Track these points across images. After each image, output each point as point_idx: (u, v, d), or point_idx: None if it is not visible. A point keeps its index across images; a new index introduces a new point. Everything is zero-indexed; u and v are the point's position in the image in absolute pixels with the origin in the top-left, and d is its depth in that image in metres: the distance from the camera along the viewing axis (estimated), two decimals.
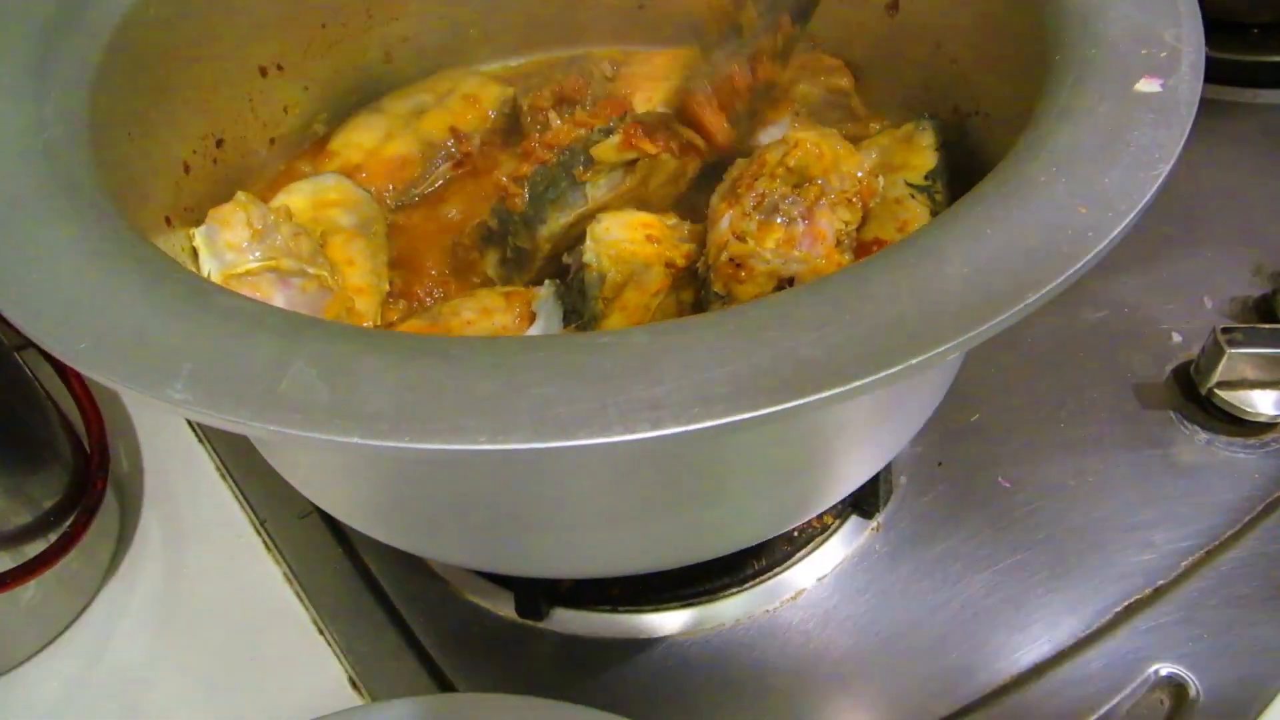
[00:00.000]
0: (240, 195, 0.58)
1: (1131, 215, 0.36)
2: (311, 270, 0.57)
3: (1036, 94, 0.45)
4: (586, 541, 0.46)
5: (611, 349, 0.33)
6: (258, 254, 0.56)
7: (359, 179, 0.67)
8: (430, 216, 0.67)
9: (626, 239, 0.54)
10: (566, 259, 0.58)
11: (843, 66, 0.68)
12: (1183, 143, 0.39)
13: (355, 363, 0.33)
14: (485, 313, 0.58)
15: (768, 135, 0.63)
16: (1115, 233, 0.35)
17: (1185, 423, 0.69)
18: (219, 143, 0.63)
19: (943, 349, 0.32)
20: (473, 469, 0.41)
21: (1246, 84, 0.91)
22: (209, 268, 0.56)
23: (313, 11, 0.68)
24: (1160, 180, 0.38)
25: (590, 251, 0.53)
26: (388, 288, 0.62)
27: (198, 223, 0.58)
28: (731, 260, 0.51)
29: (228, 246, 0.56)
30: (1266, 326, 0.68)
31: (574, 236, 0.59)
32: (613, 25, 0.78)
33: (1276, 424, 0.67)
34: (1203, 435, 0.68)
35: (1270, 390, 0.67)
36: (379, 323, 0.60)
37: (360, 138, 0.70)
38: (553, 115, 0.69)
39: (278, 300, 0.56)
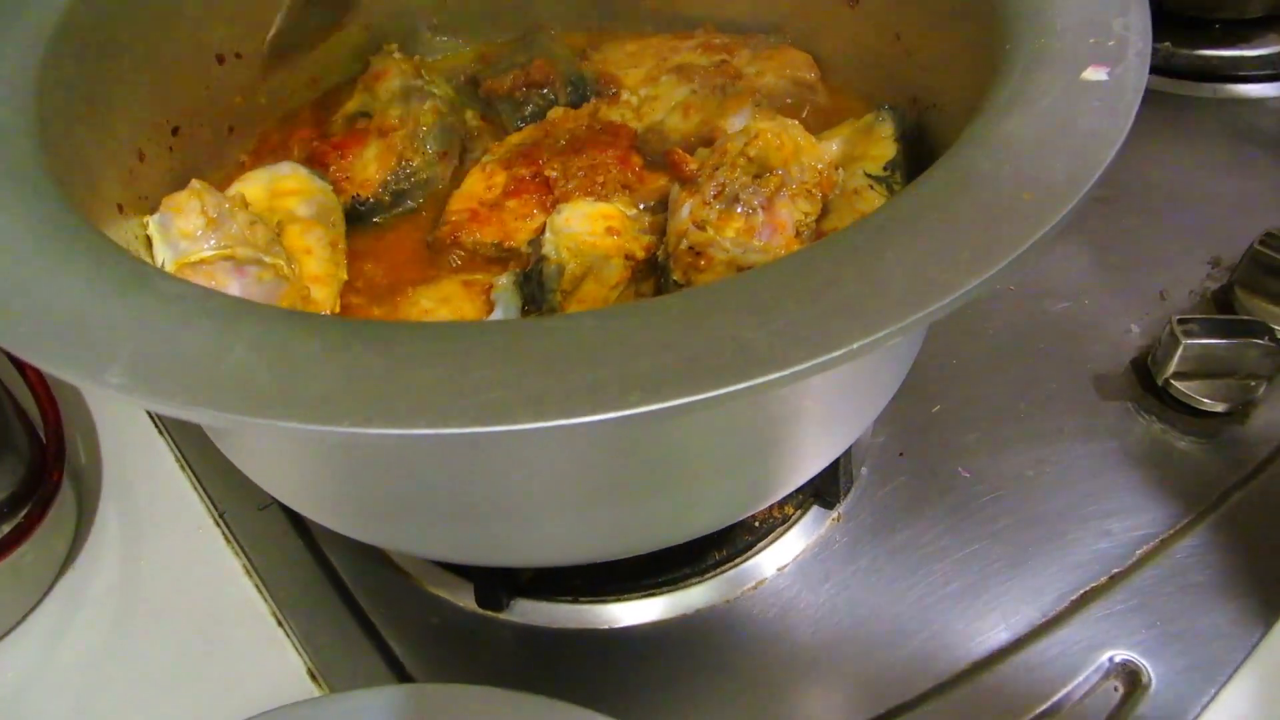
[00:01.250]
0: (195, 183, 0.57)
1: (1075, 201, 0.36)
2: (267, 259, 0.56)
3: (987, 81, 0.45)
4: (538, 529, 0.46)
5: (557, 333, 0.33)
6: (212, 242, 0.55)
7: None
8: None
9: (586, 231, 0.54)
10: (525, 249, 0.58)
11: (809, 59, 0.68)
12: (1128, 130, 0.39)
13: (297, 347, 0.33)
14: (444, 301, 0.57)
15: (730, 125, 0.63)
16: (1058, 218, 0.36)
17: (1142, 413, 0.70)
18: (175, 130, 0.62)
19: (885, 333, 0.32)
20: (421, 456, 0.40)
21: (1207, 79, 0.92)
22: (163, 256, 0.55)
23: (270, 13, 0.67)
24: (1104, 166, 0.38)
25: (549, 244, 0.53)
26: (345, 276, 0.61)
27: (152, 210, 0.57)
28: (691, 249, 0.51)
29: (181, 235, 0.56)
30: (1221, 318, 0.69)
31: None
32: (575, 10, 0.77)
33: (1231, 415, 0.68)
34: (1159, 425, 0.69)
35: (1225, 381, 0.68)
36: (336, 310, 0.59)
37: None
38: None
39: (233, 289, 0.55)
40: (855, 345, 0.32)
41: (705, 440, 0.43)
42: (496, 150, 0.66)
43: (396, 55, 0.72)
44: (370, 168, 0.67)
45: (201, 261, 0.55)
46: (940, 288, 0.33)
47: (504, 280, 0.58)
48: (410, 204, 0.66)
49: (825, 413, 0.47)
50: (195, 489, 0.72)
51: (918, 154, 0.61)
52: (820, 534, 0.66)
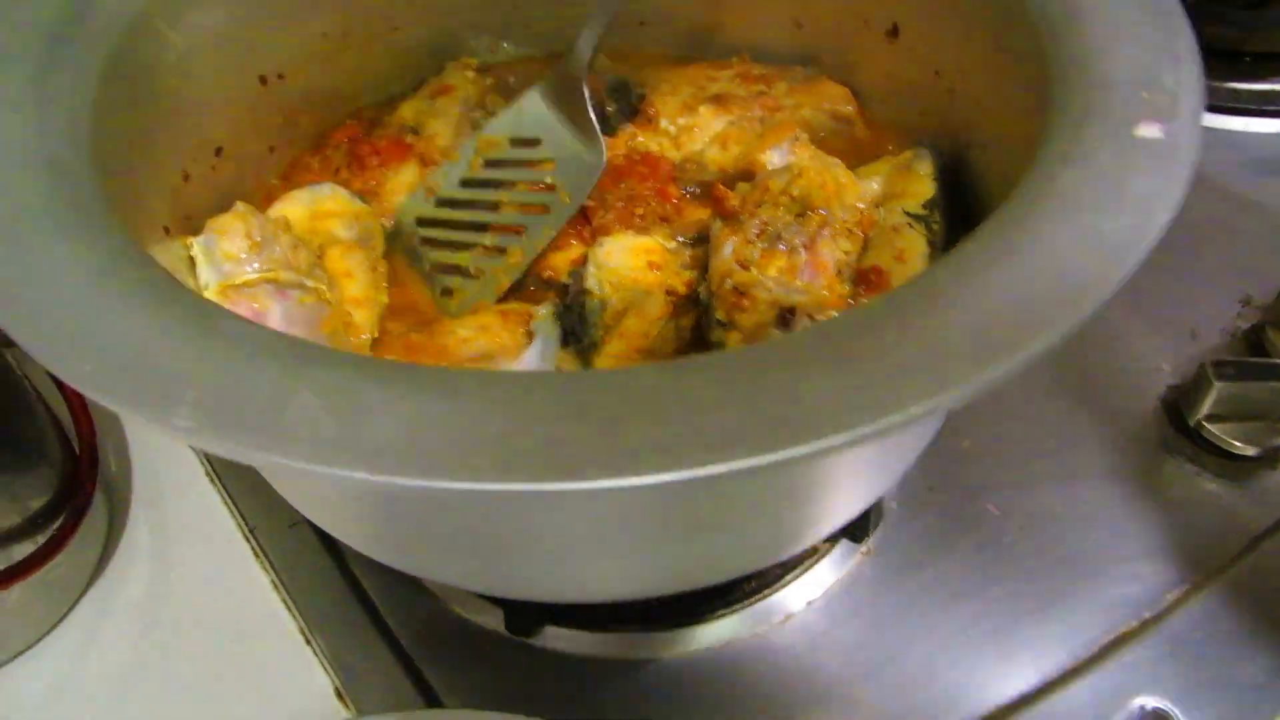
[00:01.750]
0: (239, 206, 0.58)
1: (1131, 264, 0.37)
2: (310, 283, 0.57)
3: (1037, 132, 0.45)
4: (578, 569, 0.47)
5: (619, 389, 0.33)
6: (256, 265, 0.56)
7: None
8: None
9: (628, 265, 0.54)
10: (565, 279, 0.58)
11: (847, 93, 0.69)
12: (1183, 192, 0.39)
13: (361, 394, 0.33)
14: (481, 330, 0.58)
15: (770, 159, 0.63)
16: (1116, 282, 0.36)
17: (1173, 455, 0.70)
18: (218, 151, 0.62)
19: (948, 396, 0.32)
20: (474, 503, 0.41)
21: (1237, 113, 0.92)
22: (206, 278, 0.56)
23: (313, 21, 0.67)
24: (1160, 229, 0.38)
25: (592, 278, 0.54)
26: (385, 300, 0.62)
27: (196, 231, 0.57)
28: (735, 288, 0.52)
29: (226, 257, 0.56)
30: (1256, 361, 0.68)
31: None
32: (614, 39, 0.77)
33: (1263, 459, 0.68)
34: (1191, 468, 0.69)
35: (1257, 424, 0.68)
36: (376, 335, 0.59)
37: None
38: None
39: (275, 312, 0.55)
40: (922, 407, 0.32)
41: (754, 489, 0.43)
42: None
43: (470, 74, 0.72)
44: (401, 194, 0.68)
45: (245, 284, 0.56)
46: (1003, 350, 0.33)
47: (543, 311, 0.58)
48: None
49: (873, 461, 0.47)
50: (225, 503, 0.73)
51: (956, 191, 0.61)
52: (849, 568, 0.66)
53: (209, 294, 0.55)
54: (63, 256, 0.38)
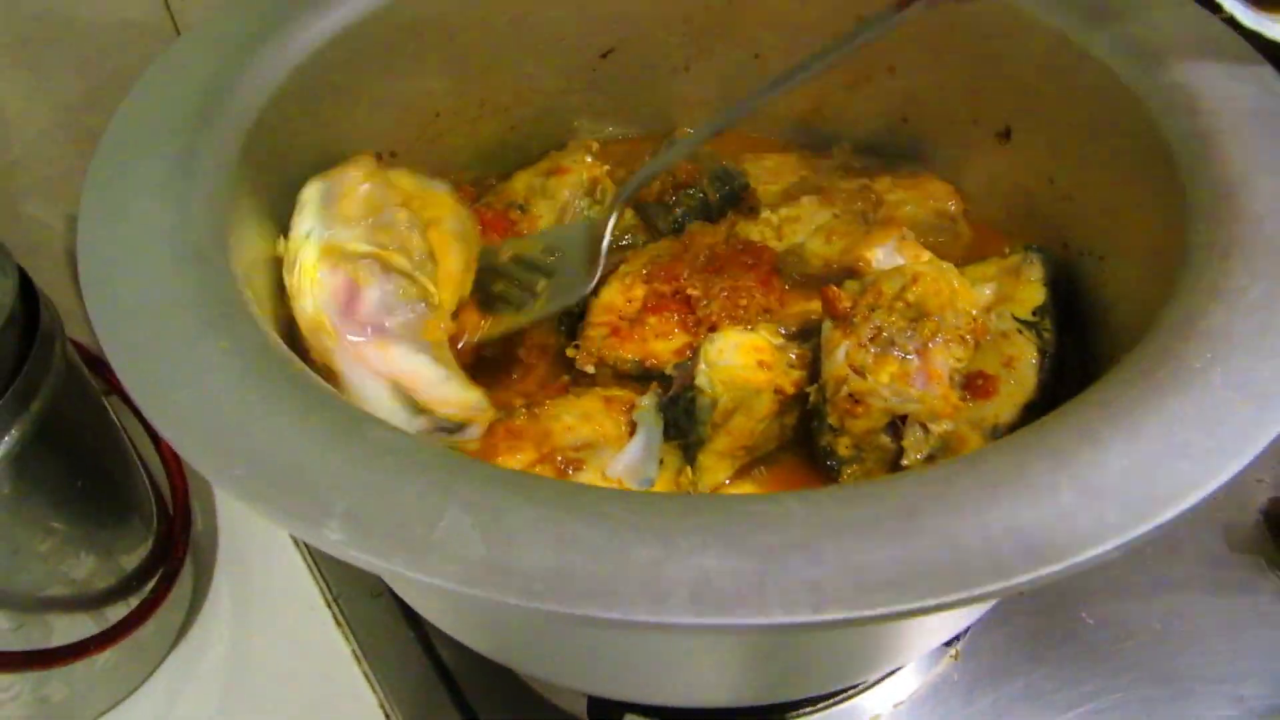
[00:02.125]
0: (365, 160, 0.55)
1: None
2: (420, 276, 0.52)
3: (1173, 258, 0.45)
4: (679, 680, 0.46)
5: (770, 518, 0.33)
6: (368, 235, 0.52)
7: None
8: None
9: (739, 364, 0.54)
10: (670, 371, 0.58)
11: (952, 190, 0.69)
12: None
13: (510, 514, 0.33)
14: (585, 418, 0.57)
15: (875, 257, 0.63)
16: (1274, 431, 0.35)
17: (1275, 570, 0.68)
18: None
19: (1105, 549, 0.32)
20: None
21: None
22: (309, 228, 0.52)
23: (428, 101, 0.69)
24: None
25: (703, 375, 0.53)
26: (468, 292, 0.59)
27: None
28: (850, 395, 0.51)
29: (340, 216, 0.52)
30: None
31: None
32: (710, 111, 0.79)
33: None
34: None
35: None
36: (452, 311, 0.57)
37: None
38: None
39: (373, 295, 0.50)
40: (1076, 560, 0.31)
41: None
42: (635, 261, 0.67)
43: (589, 159, 0.73)
44: None
45: (351, 253, 0.51)
46: (1162, 502, 0.33)
47: (646, 402, 0.58)
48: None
49: None
50: (310, 569, 0.73)
51: (1066, 299, 0.60)
52: (937, 671, 0.64)
53: (306, 246, 0.51)
54: (210, 353, 0.39)
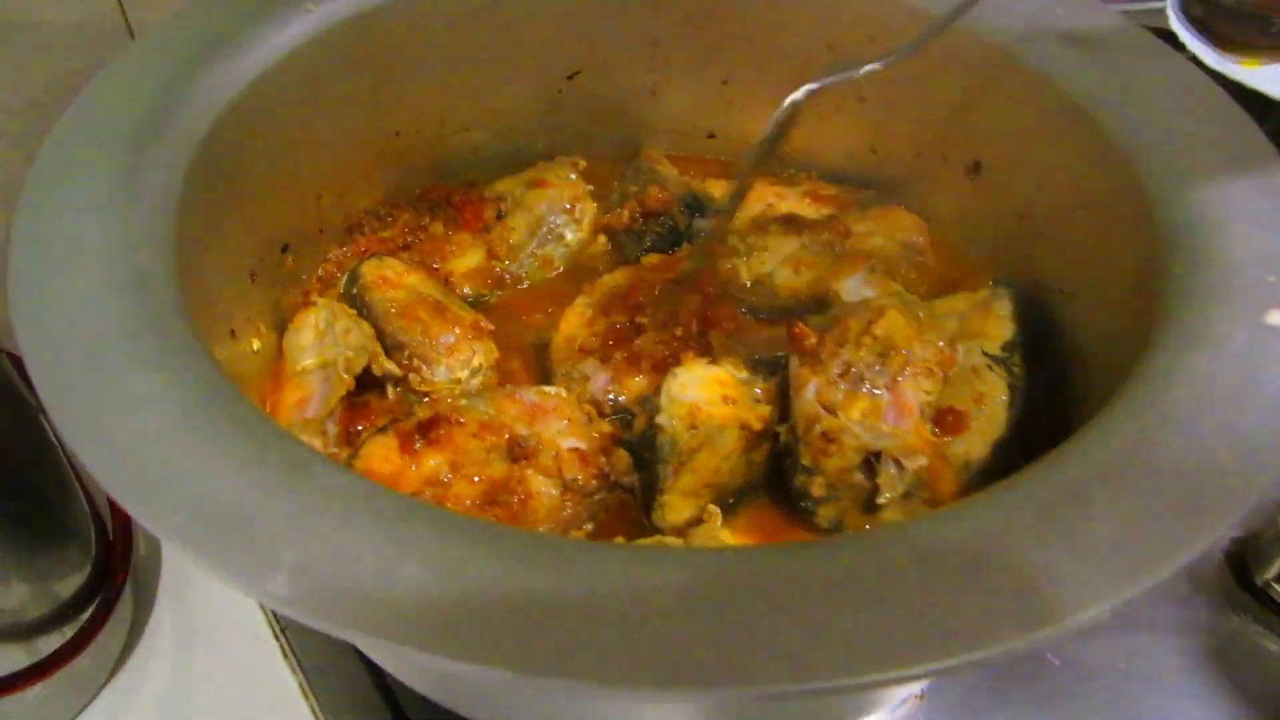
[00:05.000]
0: (319, 300, 0.60)
1: (1273, 467, 0.35)
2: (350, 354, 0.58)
3: (1142, 301, 0.44)
4: None
5: (750, 580, 0.31)
6: (313, 355, 0.59)
7: None
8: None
9: (703, 399, 0.52)
10: (635, 408, 0.57)
11: (920, 224, 0.68)
12: None
13: (472, 569, 0.31)
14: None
15: (844, 289, 0.62)
16: (1259, 489, 0.34)
17: (1237, 611, 0.67)
18: (284, 248, 0.61)
19: (1097, 612, 0.30)
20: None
21: None
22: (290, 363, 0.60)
23: (387, 120, 0.67)
24: None
25: (665, 415, 0.52)
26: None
27: (260, 333, 0.58)
28: (823, 434, 0.50)
29: (297, 348, 0.60)
30: None
31: None
32: (681, 150, 0.78)
33: None
34: (1254, 627, 0.66)
35: None
36: None
37: None
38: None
39: (316, 396, 0.57)
40: (1069, 624, 0.30)
41: None
42: (591, 293, 0.66)
43: (573, 177, 0.72)
44: (459, 268, 0.68)
45: (303, 371, 0.59)
46: (1153, 562, 0.32)
47: None
48: None
49: None
50: None
51: (1036, 335, 0.60)
52: (903, 712, 0.63)
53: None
54: (149, 387, 0.36)
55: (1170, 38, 0.94)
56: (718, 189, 0.73)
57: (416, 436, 0.52)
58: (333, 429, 0.58)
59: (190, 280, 0.46)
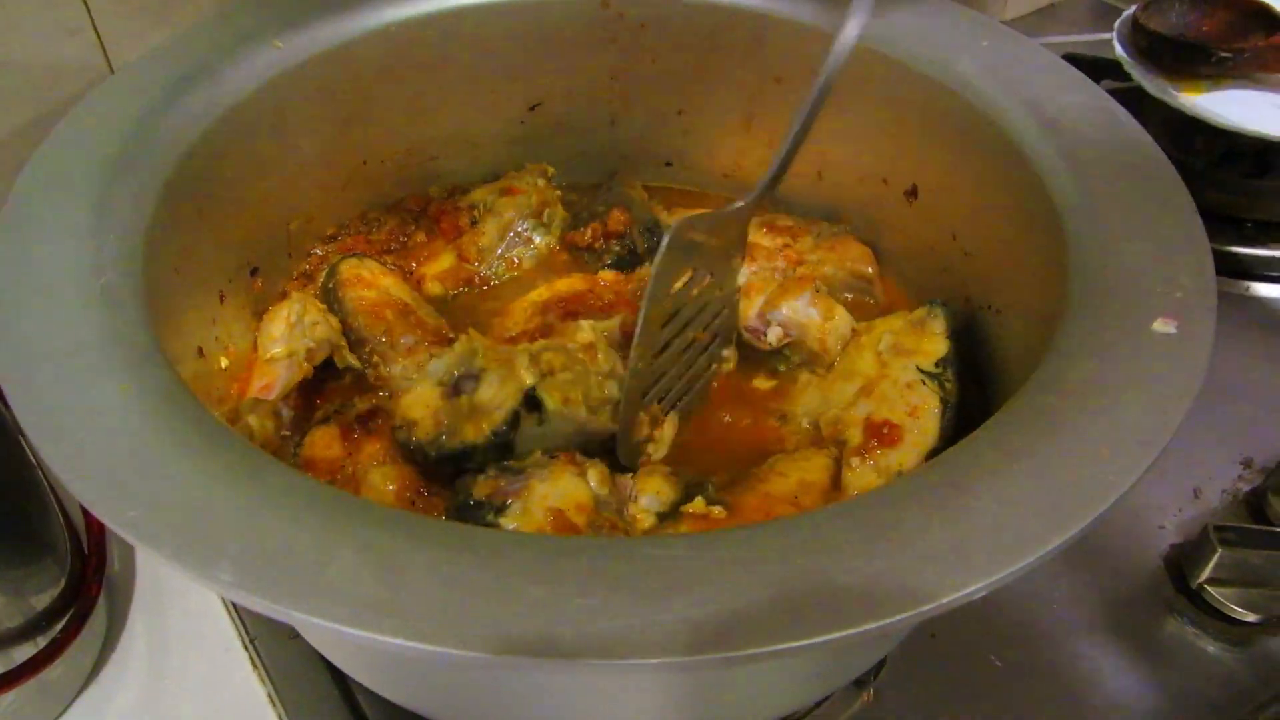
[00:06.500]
0: (294, 295, 0.64)
1: (1151, 459, 0.38)
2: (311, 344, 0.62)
3: (1054, 312, 0.47)
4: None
5: (653, 560, 0.34)
6: (282, 344, 0.63)
7: None
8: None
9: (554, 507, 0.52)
10: None
11: (869, 254, 0.71)
12: (1199, 385, 0.41)
13: (402, 555, 0.34)
14: None
15: (790, 308, 0.65)
16: (1137, 477, 0.37)
17: (1175, 615, 0.70)
18: (254, 271, 0.64)
19: (974, 589, 0.33)
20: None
21: (1239, 276, 0.94)
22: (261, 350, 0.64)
23: (352, 151, 0.70)
24: (1177, 423, 0.40)
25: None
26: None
27: (228, 351, 0.60)
28: None
29: (268, 338, 0.63)
30: (1260, 528, 0.69)
31: None
32: (649, 166, 0.81)
33: (1264, 625, 0.68)
34: (1192, 630, 0.69)
35: (1259, 591, 0.68)
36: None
37: None
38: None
39: (280, 380, 0.61)
40: (945, 600, 0.33)
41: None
42: (541, 293, 0.69)
43: (541, 182, 0.76)
44: (431, 270, 0.72)
45: (271, 359, 0.63)
46: (1025, 545, 0.34)
47: None
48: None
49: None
50: (227, 609, 0.72)
51: (968, 350, 0.63)
52: (851, 712, 0.65)
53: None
54: (112, 395, 0.39)
55: (1117, 66, 0.98)
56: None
57: (356, 427, 0.56)
58: (287, 413, 0.62)
59: (158, 300, 0.49)
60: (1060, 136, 0.56)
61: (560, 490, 0.50)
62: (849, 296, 0.69)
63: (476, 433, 0.54)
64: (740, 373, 0.67)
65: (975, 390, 0.62)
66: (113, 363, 0.41)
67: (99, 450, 0.37)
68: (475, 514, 0.50)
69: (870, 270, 0.70)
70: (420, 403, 0.56)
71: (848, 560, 0.34)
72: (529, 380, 0.54)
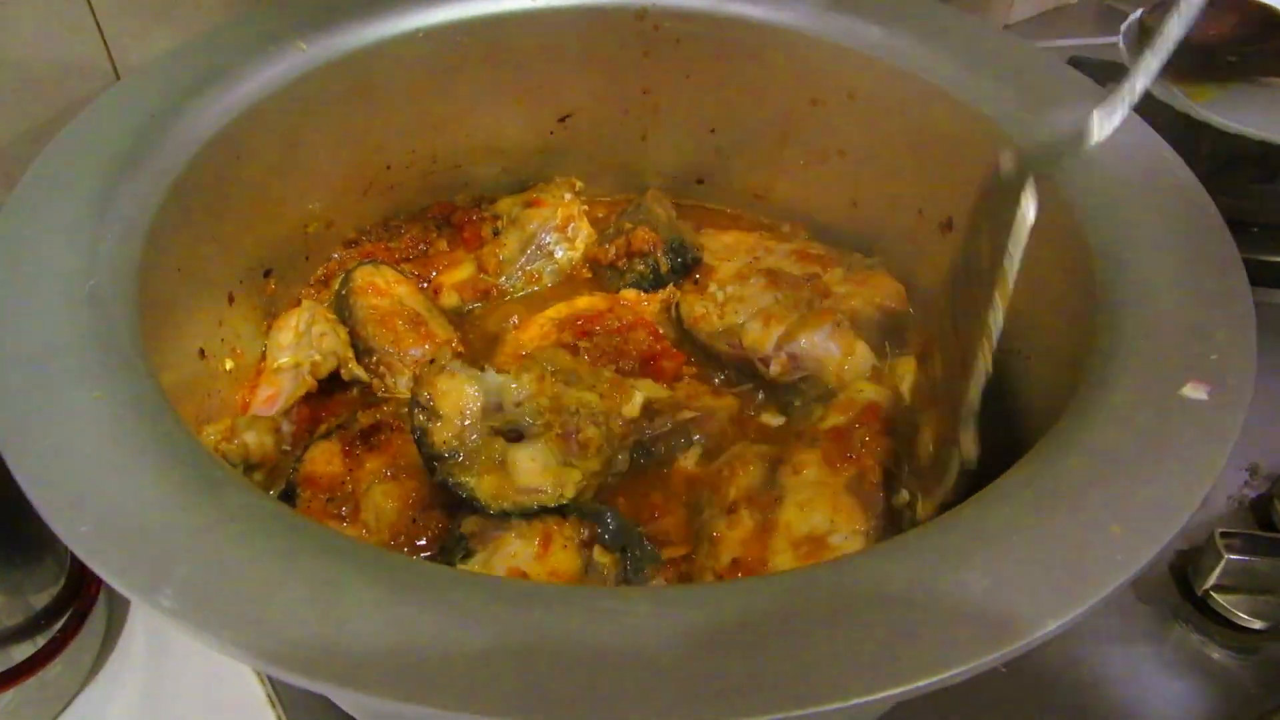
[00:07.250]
0: (305, 303, 0.64)
1: (1166, 539, 0.35)
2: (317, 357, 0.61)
3: (1080, 366, 0.44)
4: None
5: (614, 617, 0.32)
6: (289, 354, 0.62)
7: None
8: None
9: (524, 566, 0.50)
10: None
11: (901, 291, 0.68)
12: (1224, 461, 0.38)
13: (351, 593, 0.32)
14: None
15: (808, 340, 0.63)
16: (1144, 563, 0.34)
17: (1180, 621, 0.67)
18: (267, 272, 0.64)
19: (955, 672, 0.31)
20: None
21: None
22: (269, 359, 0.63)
23: (378, 156, 0.69)
24: (1197, 501, 0.37)
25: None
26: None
27: (234, 353, 0.59)
28: None
29: (276, 346, 0.63)
30: (1266, 535, 0.66)
31: None
32: (678, 182, 0.80)
33: (1270, 632, 0.65)
34: (1196, 636, 0.66)
35: (1266, 598, 0.65)
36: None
37: None
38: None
39: (284, 391, 0.61)
40: (924, 683, 0.31)
41: None
42: (560, 310, 0.68)
43: (568, 198, 0.74)
44: (450, 280, 0.71)
45: (278, 369, 0.62)
46: (1016, 629, 0.32)
47: None
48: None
49: None
50: None
51: (995, 392, 0.60)
52: None
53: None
54: (82, 401, 0.39)
55: (1123, 70, 0.94)
56: (709, 239, 0.74)
57: (358, 442, 0.54)
58: (288, 428, 0.60)
59: (156, 301, 0.48)
60: (1100, 175, 0.53)
61: (531, 553, 0.48)
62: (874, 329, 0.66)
63: (490, 496, 0.50)
64: (751, 405, 0.64)
65: (1002, 439, 0.59)
66: (89, 367, 0.40)
67: (61, 460, 0.36)
68: (456, 547, 0.48)
69: (901, 307, 0.67)
70: (457, 397, 0.51)
71: (823, 644, 0.32)
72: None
